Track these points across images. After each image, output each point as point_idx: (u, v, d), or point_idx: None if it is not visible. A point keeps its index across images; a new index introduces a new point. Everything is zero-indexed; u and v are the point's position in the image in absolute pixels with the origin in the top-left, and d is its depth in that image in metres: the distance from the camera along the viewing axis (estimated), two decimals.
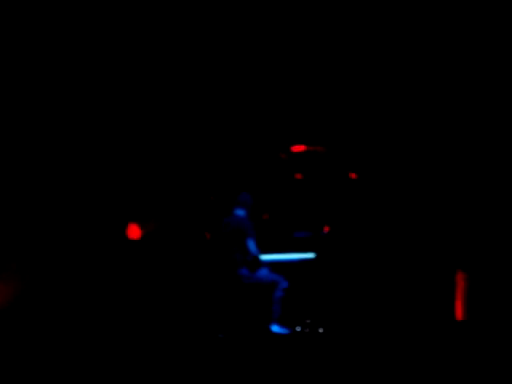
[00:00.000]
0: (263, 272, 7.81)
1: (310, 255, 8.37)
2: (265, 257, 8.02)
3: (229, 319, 7.75)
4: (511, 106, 7.84)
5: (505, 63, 7.72)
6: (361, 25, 7.87)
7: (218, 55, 8.15)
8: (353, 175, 8.96)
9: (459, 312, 7.63)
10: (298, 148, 9.12)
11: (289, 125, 8.81)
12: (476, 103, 8.02)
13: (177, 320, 7.78)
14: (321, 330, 7.81)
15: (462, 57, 7.88)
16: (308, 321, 7.97)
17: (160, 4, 7.73)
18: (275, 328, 7.64)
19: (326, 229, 8.68)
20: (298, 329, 7.94)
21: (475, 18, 7.62)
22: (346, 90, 8.49)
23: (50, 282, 7.69)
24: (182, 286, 8.21)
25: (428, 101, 8.26)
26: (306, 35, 8.01)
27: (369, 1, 7.74)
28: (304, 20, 7.88)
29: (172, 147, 8.61)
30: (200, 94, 8.49)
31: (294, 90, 8.46)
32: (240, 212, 7.87)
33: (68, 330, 7.33)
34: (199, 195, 8.89)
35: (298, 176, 9.16)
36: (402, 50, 8.01)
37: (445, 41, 7.84)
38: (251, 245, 7.63)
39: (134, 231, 8.44)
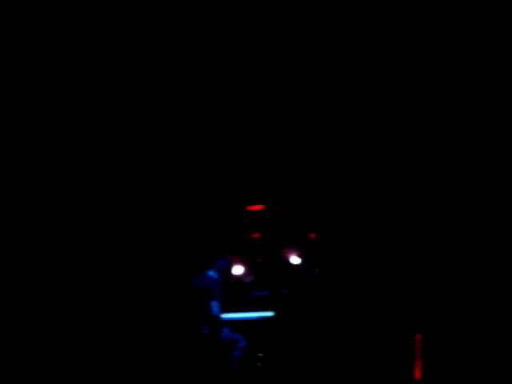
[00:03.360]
0: (224, 331, 7.87)
1: (269, 314, 8.46)
2: (225, 316, 8.08)
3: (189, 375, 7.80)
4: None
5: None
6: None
7: None
8: (311, 235, 9.09)
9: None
10: (256, 207, 9.24)
11: (247, 185, 8.94)
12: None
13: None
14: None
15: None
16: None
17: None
18: None
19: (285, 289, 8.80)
20: None
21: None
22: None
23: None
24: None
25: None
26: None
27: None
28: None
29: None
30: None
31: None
32: (212, 273, 7.95)
33: None
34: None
35: (256, 235, 9.26)
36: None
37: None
38: (215, 306, 7.72)
39: None
